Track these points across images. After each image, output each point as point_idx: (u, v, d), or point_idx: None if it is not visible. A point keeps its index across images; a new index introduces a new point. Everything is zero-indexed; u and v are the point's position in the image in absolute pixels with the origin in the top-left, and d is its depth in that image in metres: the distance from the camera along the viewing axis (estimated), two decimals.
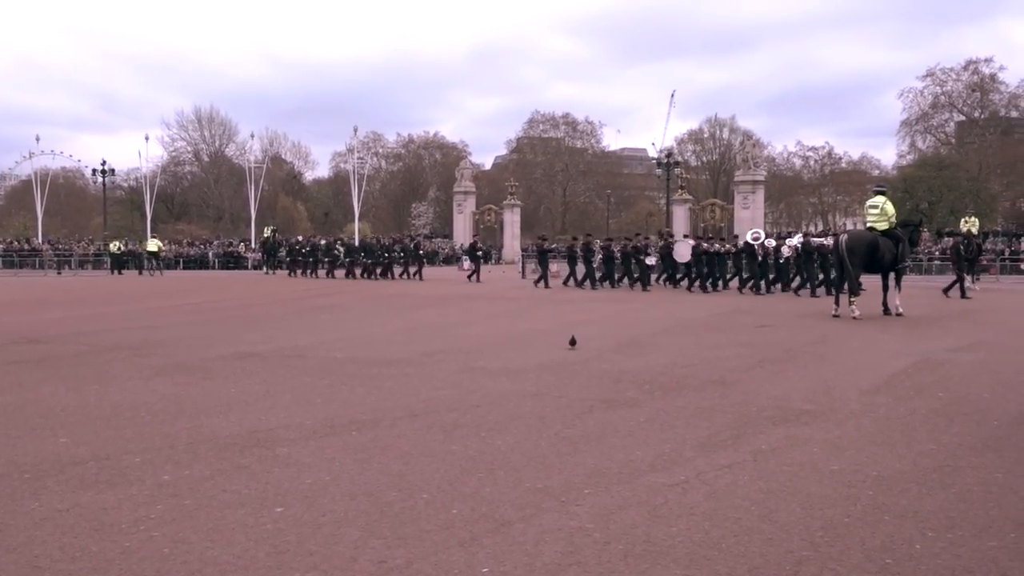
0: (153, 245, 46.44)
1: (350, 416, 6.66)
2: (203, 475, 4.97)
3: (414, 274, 33.04)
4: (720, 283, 25.39)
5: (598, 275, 26.79)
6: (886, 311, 15.90)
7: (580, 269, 27.30)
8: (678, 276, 26.30)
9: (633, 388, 7.97)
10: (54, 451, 5.55)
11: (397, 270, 33.86)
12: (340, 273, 35.29)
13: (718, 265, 25.40)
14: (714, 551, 3.75)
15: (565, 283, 27.42)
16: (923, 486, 4.77)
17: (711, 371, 9.00)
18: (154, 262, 44.40)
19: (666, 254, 26.57)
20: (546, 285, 26.81)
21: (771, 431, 6.16)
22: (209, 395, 7.62)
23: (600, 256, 27.30)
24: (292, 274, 37.26)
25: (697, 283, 25.08)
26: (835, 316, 15.39)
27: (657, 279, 27.02)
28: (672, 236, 32.61)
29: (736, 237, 28.43)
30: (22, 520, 4.16)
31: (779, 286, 24.02)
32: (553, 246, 34.25)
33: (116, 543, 3.85)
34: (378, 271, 33.62)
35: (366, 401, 7.32)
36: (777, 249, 24.03)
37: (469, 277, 31.08)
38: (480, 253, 34.31)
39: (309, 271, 36.50)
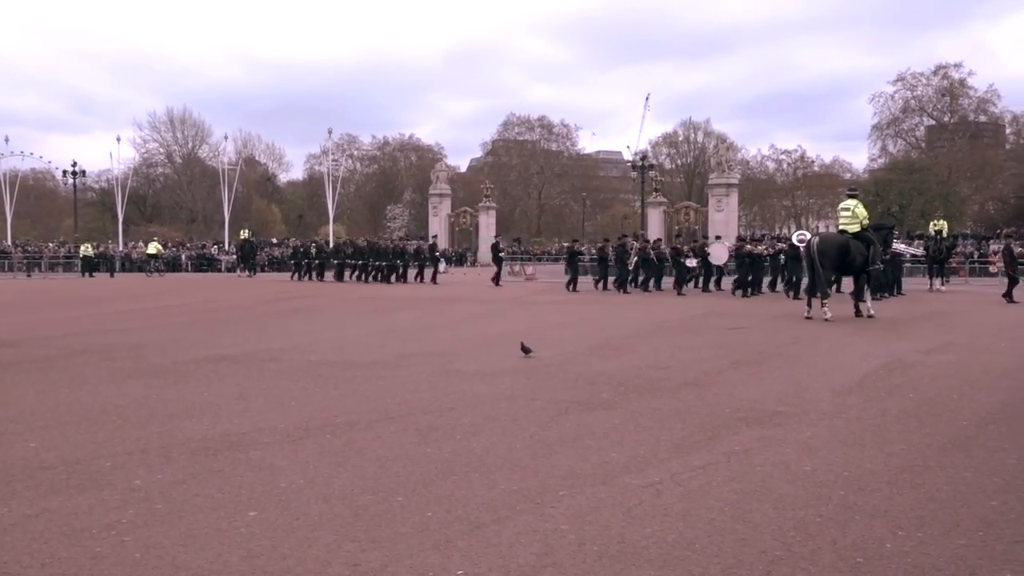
0: (153, 248, 47.68)
1: (324, 419, 6.63)
2: (175, 479, 4.93)
3: (431, 277, 31.35)
4: (763, 285, 24.01)
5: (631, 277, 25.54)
6: (858, 313, 16.06)
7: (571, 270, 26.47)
8: (713, 278, 25.29)
9: (608, 390, 8.00)
10: (23, 456, 5.48)
11: (411, 272, 32.32)
12: (340, 276, 33.57)
13: (759, 268, 23.96)
14: (688, 551, 3.78)
15: (596, 285, 26.50)
16: (894, 486, 4.83)
17: (685, 373, 9.06)
18: (153, 263, 45.62)
19: (701, 256, 25.44)
20: (574, 288, 25.57)
21: (744, 432, 6.20)
22: (182, 399, 7.55)
23: (636, 258, 25.79)
24: (294, 277, 35.13)
25: (723, 285, 24.03)
26: (807, 318, 15.52)
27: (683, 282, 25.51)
28: (635, 238, 31.33)
29: (777, 239, 26.70)
30: None
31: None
32: (582, 248, 31.95)
33: (87, 549, 3.81)
34: (392, 275, 31.85)
35: (341, 404, 7.29)
36: None
37: (493, 279, 29.21)
38: (503, 255, 31.86)
39: (314, 274, 34.54)
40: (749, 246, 24.39)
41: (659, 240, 29.40)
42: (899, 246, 24.62)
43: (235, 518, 4.23)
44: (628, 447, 5.73)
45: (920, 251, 25.95)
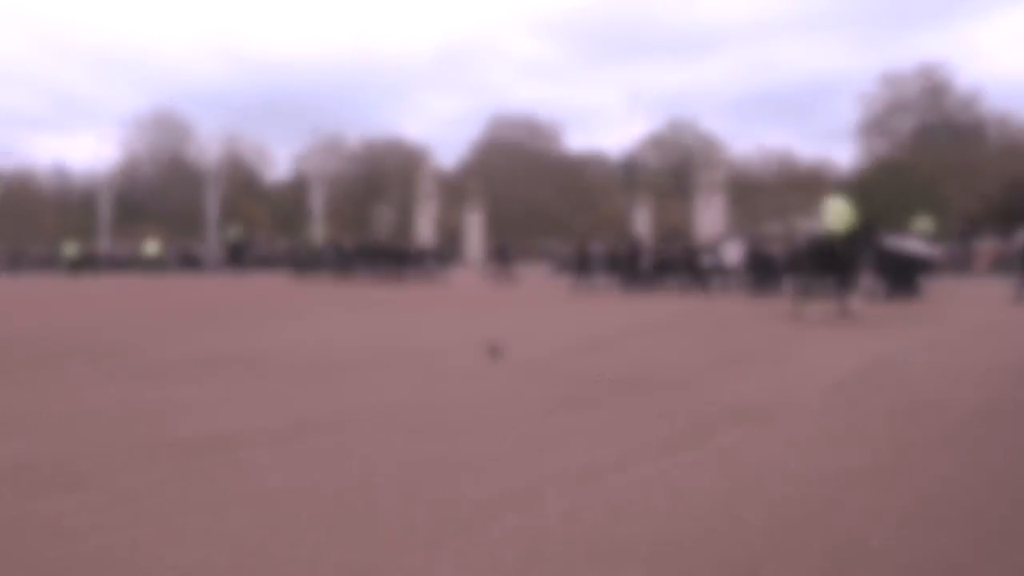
0: (152, 248, 48.37)
1: (312, 419, 6.61)
2: (162, 480, 4.90)
3: (433, 277, 31.18)
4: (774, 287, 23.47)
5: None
6: (844, 312, 16.14)
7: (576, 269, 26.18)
8: (722, 277, 24.90)
9: (596, 388, 8.01)
10: (7, 456, 5.43)
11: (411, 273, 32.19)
12: (341, 277, 33.45)
13: (773, 268, 23.42)
14: (676, 549, 3.78)
15: (604, 285, 26.24)
16: (879, 483, 4.85)
17: (673, 371, 9.08)
18: (150, 263, 46.52)
19: (712, 255, 25.15)
20: (583, 288, 25.33)
21: (732, 430, 6.22)
22: (168, 399, 7.51)
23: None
24: (296, 278, 34.91)
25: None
26: (795, 317, 15.60)
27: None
28: (627, 238, 31.45)
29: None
30: None
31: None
32: (590, 247, 31.94)
33: (72, 550, 3.78)
34: (395, 275, 31.63)
35: (328, 403, 7.27)
36: None
37: (500, 277, 29.21)
38: (508, 256, 31.86)
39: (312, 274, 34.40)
40: (763, 246, 24.10)
41: (667, 241, 29.39)
42: (914, 245, 24.54)
43: (222, 518, 4.21)
44: (616, 445, 5.74)
45: (937, 252, 25.53)
